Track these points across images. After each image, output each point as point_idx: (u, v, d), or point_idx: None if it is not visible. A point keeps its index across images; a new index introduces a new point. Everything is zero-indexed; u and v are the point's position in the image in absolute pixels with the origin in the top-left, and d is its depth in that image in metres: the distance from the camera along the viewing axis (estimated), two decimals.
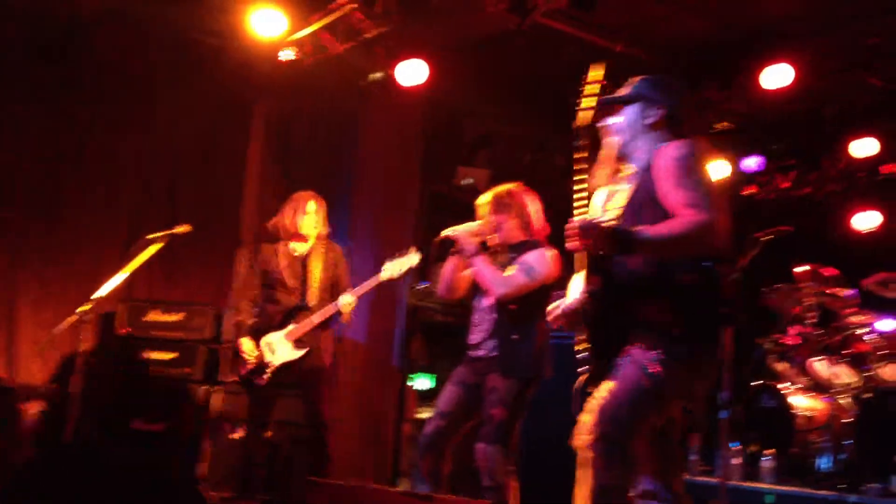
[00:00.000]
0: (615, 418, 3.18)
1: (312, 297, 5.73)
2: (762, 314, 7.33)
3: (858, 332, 6.68)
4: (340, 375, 6.10)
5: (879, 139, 8.30)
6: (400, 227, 7.81)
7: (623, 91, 3.61)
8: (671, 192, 3.22)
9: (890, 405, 5.91)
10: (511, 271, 4.76)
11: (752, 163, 8.99)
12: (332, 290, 5.81)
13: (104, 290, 5.16)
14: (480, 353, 4.79)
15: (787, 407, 6.43)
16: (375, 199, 7.61)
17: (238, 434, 6.14)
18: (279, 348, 5.64)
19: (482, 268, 4.77)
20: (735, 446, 6.41)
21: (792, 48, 7.07)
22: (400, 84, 7.04)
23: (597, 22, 7.03)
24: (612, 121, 3.58)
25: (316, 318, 5.67)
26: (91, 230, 6.95)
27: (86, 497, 3.10)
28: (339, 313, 5.67)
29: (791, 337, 6.89)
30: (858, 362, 6.71)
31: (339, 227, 7.36)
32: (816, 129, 8.53)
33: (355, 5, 6.56)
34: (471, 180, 8.83)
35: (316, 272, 5.78)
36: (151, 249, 5.32)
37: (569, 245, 3.24)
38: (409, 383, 7.59)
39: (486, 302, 4.82)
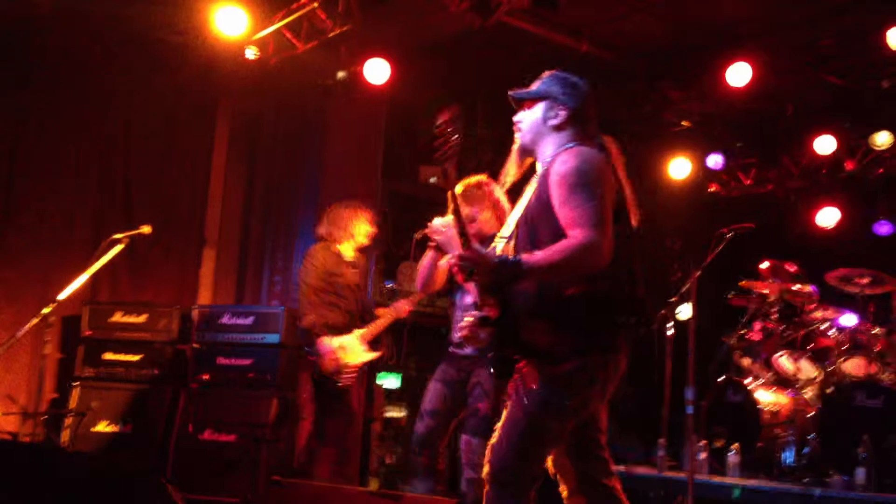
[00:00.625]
0: (503, 462, 3.19)
1: (368, 301, 6.00)
2: (726, 310, 7.41)
3: (821, 327, 6.77)
4: (306, 376, 6.08)
5: (837, 137, 8.42)
6: None
7: (533, 86, 3.53)
8: (559, 208, 3.18)
9: (852, 399, 5.99)
10: None
11: (713, 161, 9.08)
12: None
13: (67, 291, 5.10)
14: (466, 350, 4.82)
15: (753, 402, 6.49)
16: (341, 198, 7.61)
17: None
18: (353, 350, 5.76)
19: None
20: (702, 442, 6.47)
21: (750, 48, 7.15)
22: (364, 83, 7.03)
23: (559, 21, 7.07)
24: (519, 117, 3.51)
25: (383, 321, 5.95)
26: (48, 231, 6.86)
27: (51, 499, 3.06)
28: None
29: (755, 332, 6.96)
30: (821, 357, 6.80)
31: (306, 225, 7.34)
32: (776, 128, 8.64)
33: (317, 4, 6.54)
34: (433, 179, 8.85)
35: (364, 277, 6.05)
36: (114, 250, 5.27)
37: (458, 278, 3.22)
38: (377, 382, 7.57)
39: (469, 299, 4.83)
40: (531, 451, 3.21)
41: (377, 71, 6.95)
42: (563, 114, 3.41)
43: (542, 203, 3.25)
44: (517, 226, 3.38)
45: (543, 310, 3.19)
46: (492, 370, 3.30)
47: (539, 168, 3.43)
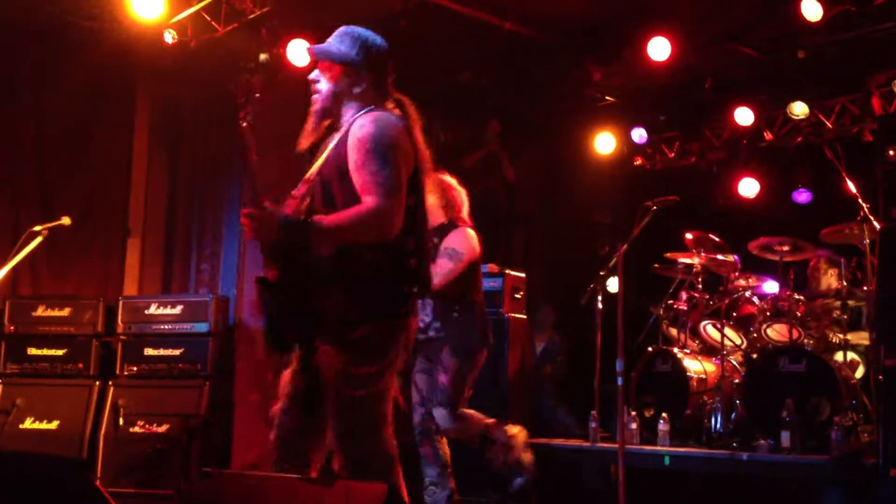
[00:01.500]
0: (346, 447, 3.23)
1: None
2: (653, 281, 7.52)
3: (745, 295, 6.92)
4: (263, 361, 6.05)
5: (756, 108, 8.58)
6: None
7: (332, 43, 3.43)
8: (354, 172, 3.16)
9: (776, 364, 6.13)
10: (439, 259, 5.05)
11: (636, 135, 9.19)
12: None
13: None
14: (430, 334, 5.20)
15: (682, 370, 6.61)
16: (268, 181, 7.54)
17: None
18: None
19: None
20: (632, 412, 6.57)
21: (668, 22, 7.24)
22: (287, 65, 6.95)
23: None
24: (315, 76, 3.41)
25: None
26: None
27: None
28: None
29: (681, 302, 7.09)
30: (745, 324, 6.96)
31: (232, 211, 7.24)
32: (697, 101, 8.77)
33: None
34: None
35: None
36: (33, 243, 5.15)
37: (246, 235, 3.16)
38: None
39: None
40: (358, 427, 3.20)
41: (300, 53, 6.87)
42: (362, 79, 3.36)
43: (339, 166, 3.23)
44: (311, 186, 3.32)
45: (334, 275, 3.13)
46: (270, 338, 3.18)
47: (338, 130, 3.37)
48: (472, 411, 5.38)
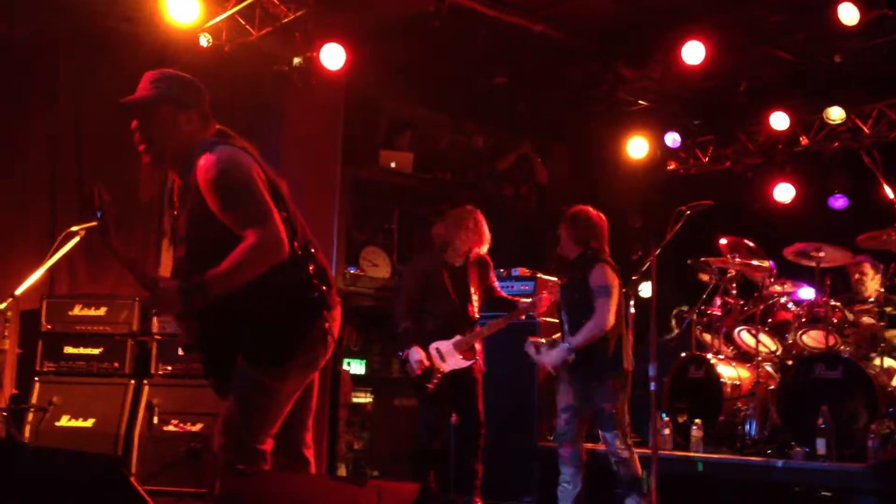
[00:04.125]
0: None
1: (473, 309, 5.94)
2: (688, 286, 7.48)
3: (780, 301, 6.86)
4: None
5: (792, 112, 8.51)
6: (324, 213, 7.77)
7: (143, 92, 3.41)
8: (224, 214, 3.19)
9: (812, 370, 6.07)
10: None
11: (670, 139, 9.14)
12: (486, 298, 6.09)
13: (24, 286, 5.04)
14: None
15: (715, 376, 6.56)
16: (299, 186, 7.59)
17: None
18: (449, 357, 5.78)
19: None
20: (665, 417, 6.54)
21: (703, 25, 7.20)
22: (320, 69, 6.99)
23: (514, 2, 7.07)
24: (138, 127, 3.39)
25: (487, 330, 5.93)
26: (2, 225, 6.74)
27: (15, 496, 3.03)
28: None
29: (715, 308, 7.04)
30: (780, 330, 6.89)
31: None
32: (732, 105, 8.71)
33: None
34: (393, 164, 8.83)
35: (473, 284, 5.96)
36: (70, 243, 5.21)
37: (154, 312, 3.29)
38: (342, 368, 7.56)
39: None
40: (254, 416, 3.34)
41: (333, 56, 6.91)
42: (191, 116, 3.36)
43: (202, 211, 3.23)
44: (185, 234, 3.34)
45: (240, 310, 3.24)
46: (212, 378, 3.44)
47: (180, 175, 3.38)
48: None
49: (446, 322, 5.85)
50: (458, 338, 5.83)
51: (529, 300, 6.11)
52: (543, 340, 5.68)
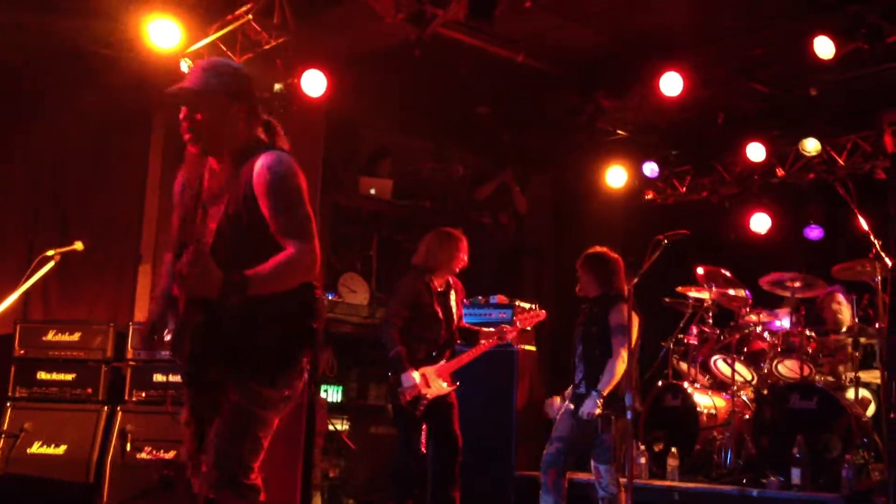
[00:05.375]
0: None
1: (456, 334, 5.95)
2: (664, 315, 7.51)
3: (756, 330, 6.90)
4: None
5: (768, 144, 8.60)
6: None
7: (196, 80, 3.30)
8: (272, 216, 3.17)
9: (787, 400, 6.10)
10: None
11: (648, 169, 9.21)
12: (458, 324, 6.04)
13: None
14: (581, 390, 5.54)
15: (692, 405, 6.58)
16: None
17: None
18: (433, 383, 5.75)
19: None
20: (641, 446, 6.54)
21: (681, 58, 7.28)
22: (301, 95, 7.00)
23: (495, 32, 7.12)
24: (189, 115, 3.27)
25: (468, 356, 5.91)
26: None
27: None
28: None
29: (692, 337, 7.07)
30: (756, 360, 6.93)
31: None
32: (709, 136, 8.79)
33: (251, 17, 6.50)
34: (373, 191, 8.84)
35: (454, 308, 5.94)
36: (45, 268, 5.17)
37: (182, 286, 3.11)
38: (318, 395, 7.52)
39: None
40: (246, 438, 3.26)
41: (314, 83, 6.92)
42: (242, 108, 3.32)
43: (248, 205, 3.19)
44: (218, 226, 3.25)
45: (259, 318, 3.18)
46: (187, 377, 3.30)
47: (227, 167, 3.29)
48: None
49: (434, 347, 5.84)
50: (442, 363, 5.82)
51: (505, 327, 6.08)
52: (558, 399, 5.70)
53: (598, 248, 5.80)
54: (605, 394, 5.30)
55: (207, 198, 3.29)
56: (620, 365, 5.31)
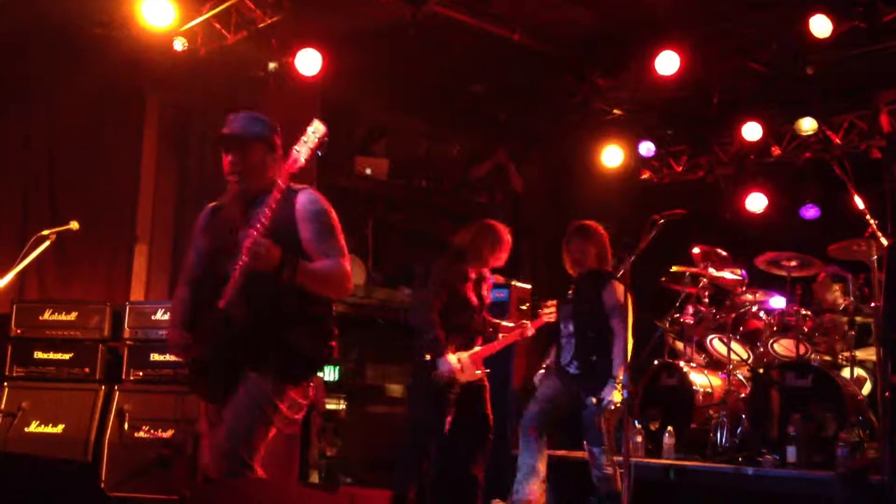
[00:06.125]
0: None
1: (484, 321, 5.91)
2: (660, 294, 7.51)
3: (752, 309, 6.92)
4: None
5: (764, 123, 8.59)
6: None
7: (241, 127, 3.71)
8: (314, 240, 3.57)
9: (783, 379, 6.12)
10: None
11: (644, 149, 9.20)
12: None
13: None
14: (571, 369, 5.59)
15: (688, 384, 6.60)
16: None
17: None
18: (467, 368, 5.69)
19: None
20: (637, 425, 6.57)
21: (677, 37, 7.26)
22: (296, 74, 6.98)
23: (491, 11, 7.10)
24: (234, 159, 3.67)
25: (500, 343, 5.89)
26: None
27: None
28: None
29: (688, 316, 7.08)
30: (752, 339, 6.95)
31: None
32: (705, 115, 8.78)
33: None
34: (369, 170, 8.82)
35: (487, 296, 5.93)
36: (41, 247, 5.17)
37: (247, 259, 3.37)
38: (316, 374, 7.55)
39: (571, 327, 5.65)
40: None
41: (309, 62, 6.90)
42: (278, 154, 3.71)
43: (285, 235, 3.51)
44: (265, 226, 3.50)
45: (296, 316, 3.53)
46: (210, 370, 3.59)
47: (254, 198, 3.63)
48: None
49: (466, 333, 5.79)
50: (477, 349, 5.78)
51: (525, 324, 6.01)
52: (594, 400, 5.57)
53: (591, 223, 5.77)
54: (620, 379, 5.23)
55: (242, 228, 3.57)
56: (627, 346, 5.29)
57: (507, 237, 5.87)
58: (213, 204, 3.89)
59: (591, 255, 5.66)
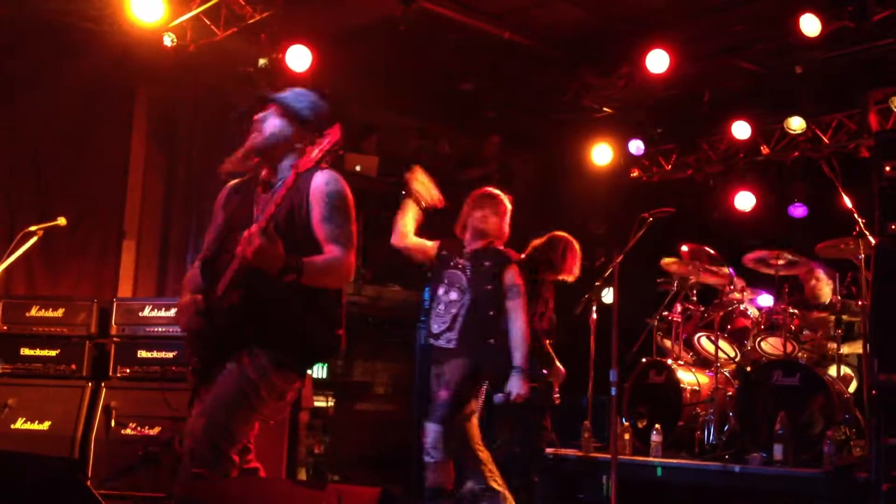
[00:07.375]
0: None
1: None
2: (648, 292, 7.53)
3: (739, 307, 6.93)
4: None
5: (753, 122, 8.61)
6: None
7: (285, 93, 3.68)
8: (322, 222, 3.45)
9: (770, 377, 6.13)
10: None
11: (634, 147, 9.20)
12: None
13: None
14: (440, 342, 5.08)
15: (675, 382, 6.62)
16: None
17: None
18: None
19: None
20: (625, 422, 6.58)
21: (667, 35, 7.27)
22: (286, 71, 6.96)
23: (481, 8, 7.09)
24: (261, 116, 3.63)
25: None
26: None
27: None
28: None
29: (676, 314, 7.10)
30: (739, 337, 6.96)
31: None
32: (695, 114, 8.80)
33: None
34: (359, 167, 8.80)
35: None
36: (28, 243, 5.15)
37: (239, 252, 3.25)
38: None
39: (454, 294, 5.14)
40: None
41: (299, 58, 6.89)
42: (308, 135, 3.59)
43: (297, 214, 3.46)
44: (271, 218, 3.37)
45: (295, 305, 3.42)
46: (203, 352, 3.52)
47: (279, 174, 3.57)
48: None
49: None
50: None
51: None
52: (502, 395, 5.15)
53: (495, 191, 5.41)
54: (523, 366, 4.93)
55: (261, 207, 3.49)
56: (526, 330, 5.03)
57: (578, 250, 5.86)
58: (235, 182, 3.79)
59: (501, 229, 5.31)
